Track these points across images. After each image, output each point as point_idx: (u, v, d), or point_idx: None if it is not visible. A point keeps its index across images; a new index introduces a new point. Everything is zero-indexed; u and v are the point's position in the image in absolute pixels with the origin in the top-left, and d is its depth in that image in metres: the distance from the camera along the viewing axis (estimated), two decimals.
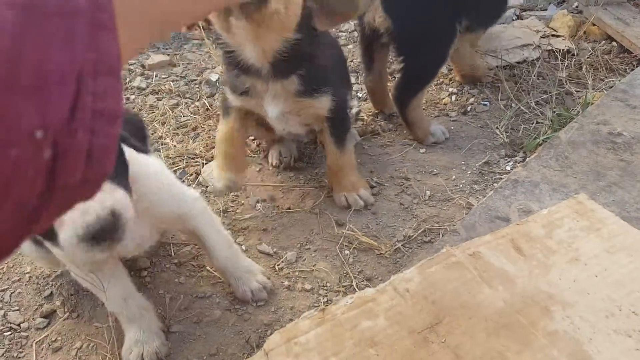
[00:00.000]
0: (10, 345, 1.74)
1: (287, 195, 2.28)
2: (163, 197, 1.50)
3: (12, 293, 1.92)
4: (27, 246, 1.79)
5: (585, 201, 1.83)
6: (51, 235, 1.09)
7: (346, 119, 2.13)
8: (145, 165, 1.49)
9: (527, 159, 2.25)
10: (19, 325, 1.80)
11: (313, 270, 1.92)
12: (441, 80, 3.01)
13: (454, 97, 2.87)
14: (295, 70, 1.86)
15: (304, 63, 1.86)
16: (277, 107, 1.93)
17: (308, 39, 1.80)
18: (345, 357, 1.41)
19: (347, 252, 1.98)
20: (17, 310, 1.85)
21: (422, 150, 2.48)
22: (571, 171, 2.05)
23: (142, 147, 1.45)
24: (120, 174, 1.23)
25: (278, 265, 1.94)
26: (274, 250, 2.01)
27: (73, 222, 1.04)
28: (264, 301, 1.81)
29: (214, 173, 2.20)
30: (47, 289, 1.93)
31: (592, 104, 2.51)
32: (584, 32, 3.26)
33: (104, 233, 1.09)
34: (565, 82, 2.83)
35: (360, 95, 2.94)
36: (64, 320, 1.80)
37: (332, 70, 2.02)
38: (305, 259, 1.97)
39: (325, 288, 1.86)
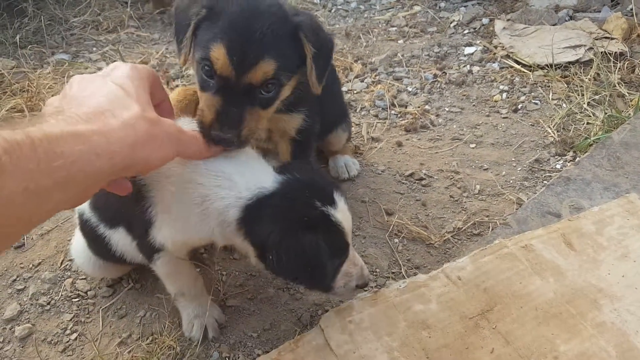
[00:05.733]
0: (78, 311, 1.86)
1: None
2: None
3: None
4: (88, 265, 1.86)
5: (636, 200, 1.86)
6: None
7: (310, 144, 2.00)
8: None
9: (579, 157, 2.27)
10: (86, 292, 1.92)
11: (363, 256, 1.98)
12: (492, 77, 3.04)
13: (504, 95, 2.90)
14: None
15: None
16: None
17: None
18: (398, 337, 1.48)
19: (396, 240, 2.04)
20: (84, 279, 1.97)
21: (472, 145, 2.52)
22: (622, 171, 2.07)
23: None
24: None
25: None
26: None
27: (357, 277, 1.50)
28: None
29: None
30: None
31: None
32: (638, 35, 3.24)
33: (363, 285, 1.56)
34: (618, 84, 2.82)
35: (410, 89, 2.99)
36: (129, 290, 1.91)
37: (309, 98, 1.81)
38: (355, 245, 2.03)
39: (375, 273, 1.92)
